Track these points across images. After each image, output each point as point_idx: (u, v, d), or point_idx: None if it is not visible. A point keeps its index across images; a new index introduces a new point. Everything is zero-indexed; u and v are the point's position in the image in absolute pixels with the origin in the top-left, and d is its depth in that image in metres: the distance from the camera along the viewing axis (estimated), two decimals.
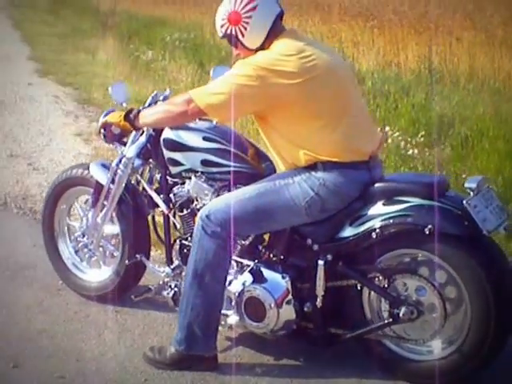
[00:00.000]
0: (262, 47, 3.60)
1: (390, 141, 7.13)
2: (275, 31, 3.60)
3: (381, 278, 3.59)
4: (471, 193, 3.37)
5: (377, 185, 3.59)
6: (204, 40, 13.86)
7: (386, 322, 3.61)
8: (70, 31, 18.36)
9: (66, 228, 4.77)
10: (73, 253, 4.73)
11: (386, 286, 3.58)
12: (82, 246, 4.56)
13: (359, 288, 3.68)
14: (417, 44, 9.79)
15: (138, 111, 3.76)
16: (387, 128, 7.54)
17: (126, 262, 4.28)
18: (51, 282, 4.82)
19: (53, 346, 4.10)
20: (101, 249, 4.56)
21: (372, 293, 3.68)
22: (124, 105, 4.21)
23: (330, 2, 12.12)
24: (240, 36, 3.59)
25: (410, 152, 6.93)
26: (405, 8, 10.08)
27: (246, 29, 3.58)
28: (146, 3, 18.40)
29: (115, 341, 4.16)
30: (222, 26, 3.66)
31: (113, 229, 4.46)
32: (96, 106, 10.01)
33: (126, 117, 3.74)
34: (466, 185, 3.40)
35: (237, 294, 3.79)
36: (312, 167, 3.57)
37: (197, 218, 3.73)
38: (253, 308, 3.77)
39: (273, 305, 3.70)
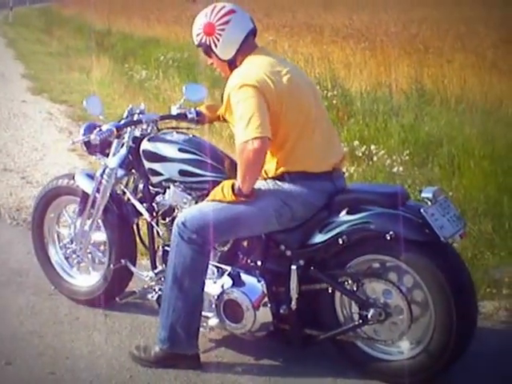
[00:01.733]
0: (234, 60, 3.89)
1: (375, 159, 7.36)
2: (247, 46, 3.89)
3: (350, 281, 3.84)
4: (429, 202, 3.62)
5: (341, 194, 3.86)
6: (197, 59, 14.05)
7: (356, 323, 3.85)
8: (65, 50, 18.68)
9: (55, 235, 5.01)
10: (63, 259, 4.97)
11: (355, 289, 3.82)
12: (70, 252, 4.79)
13: (331, 291, 3.91)
14: (408, 65, 10.01)
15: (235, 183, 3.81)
16: (373, 146, 7.76)
17: (111, 266, 4.50)
18: (43, 287, 5.06)
19: (43, 345, 4.33)
20: (89, 255, 4.79)
21: (343, 296, 3.91)
22: (100, 117, 4.47)
23: (322, 23, 12.39)
24: (213, 46, 3.87)
25: (395, 170, 7.15)
26: (397, 29, 10.30)
27: (218, 40, 3.86)
28: (141, 24, 18.66)
29: (103, 341, 4.38)
30: (197, 35, 3.94)
31: (100, 236, 4.70)
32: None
33: (234, 191, 3.78)
34: (423, 195, 3.68)
35: (216, 297, 4.04)
36: (280, 178, 3.84)
37: (174, 225, 3.96)
38: (231, 310, 4.01)
39: (250, 307, 3.94)
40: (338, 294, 3.93)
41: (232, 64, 3.90)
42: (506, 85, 9.00)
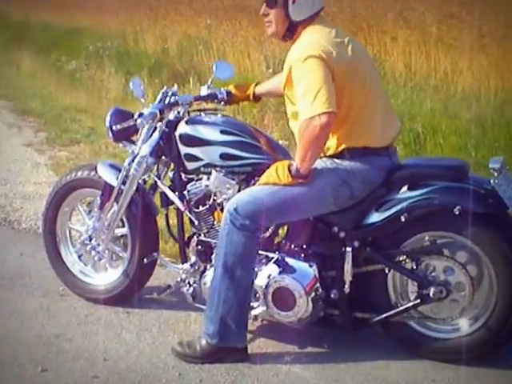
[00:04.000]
0: (297, 26, 3.73)
1: None
2: (313, 19, 3.74)
3: (408, 260, 3.76)
4: (495, 173, 3.57)
5: (399, 170, 3.76)
6: (128, 48, 13.84)
7: (414, 303, 3.78)
8: None
9: (67, 232, 4.77)
10: (76, 257, 4.74)
11: (415, 267, 3.75)
12: (89, 249, 4.56)
13: (384, 272, 3.83)
14: None
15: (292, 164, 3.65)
16: None
17: (145, 260, 4.32)
18: (51, 287, 4.83)
19: (75, 348, 4.12)
20: (106, 251, 4.58)
21: (396, 276, 3.84)
22: (142, 100, 4.27)
23: (256, 5, 12.18)
24: (290, 1, 3.69)
25: None
26: (333, 9, 10.19)
27: None
28: (61, 13, 18.15)
29: (136, 340, 4.21)
30: None
31: (120, 230, 4.50)
32: (36, 117, 9.92)
33: (291, 173, 3.62)
34: (490, 165, 3.59)
35: (263, 286, 3.89)
36: (338, 156, 3.72)
37: (224, 212, 3.81)
38: (282, 298, 3.88)
39: (302, 293, 3.82)
40: (390, 275, 3.85)
41: (292, 28, 3.73)
42: (451, 59, 9.00)
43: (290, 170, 3.64)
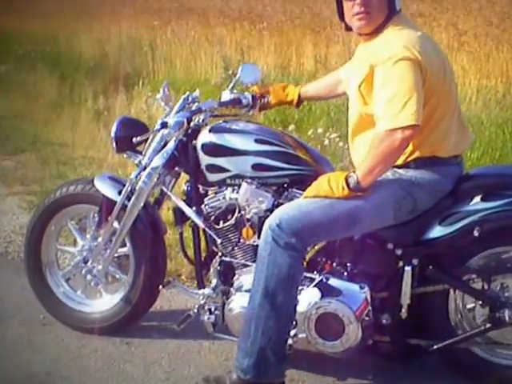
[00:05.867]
0: (389, 19, 3.21)
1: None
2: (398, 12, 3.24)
3: (477, 279, 3.26)
4: None
5: (470, 180, 3.28)
6: (61, 52, 13.11)
7: (484, 327, 3.28)
8: None
9: (54, 254, 4.14)
10: (64, 282, 4.10)
11: (485, 287, 3.25)
12: (85, 272, 3.94)
13: (445, 293, 3.33)
14: (314, 44, 9.52)
15: (356, 175, 3.12)
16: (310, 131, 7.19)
17: (160, 287, 3.74)
18: (29, 316, 4.18)
19: None
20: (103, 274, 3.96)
21: (458, 297, 3.35)
22: (166, 108, 3.72)
23: (203, 6, 11.69)
24: None
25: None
26: (293, 8, 9.78)
27: None
28: None
29: (144, 375, 3.64)
30: None
31: (120, 249, 3.90)
32: None
33: (349, 185, 3.12)
34: None
35: (304, 311, 3.34)
36: (402, 166, 3.22)
37: (264, 229, 3.24)
38: (327, 325, 3.33)
39: (352, 319, 3.28)
40: (451, 296, 3.35)
41: (385, 21, 3.21)
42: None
43: (347, 183, 3.10)
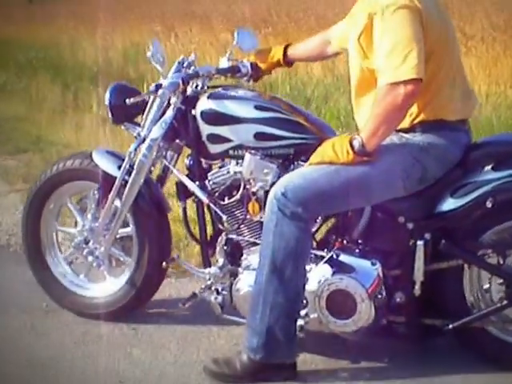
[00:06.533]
0: None
1: None
2: None
3: (492, 254, 3.16)
4: None
5: (480, 148, 3.19)
6: (64, 59, 13.06)
7: (500, 305, 3.18)
8: None
9: (54, 235, 4.02)
10: (66, 265, 4.00)
11: (501, 262, 3.15)
12: (86, 254, 3.83)
13: (460, 270, 3.23)
14: None
15: (361, 138, 3.02)
16: None
17: (164, 264, 3.62)
18: (31, 304, 4.08)
19: (78, 371, 3.43)
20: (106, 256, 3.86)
21: (474, 274, 3.25)
22: (160, 69, 3.58)
23: (206, 11, 11.64)
24: None
25: None
26: (299, 13, 9.73)
27: None
28: None
29: (152, 359, 3.53)
30: None
31: (123, 230, 3.79)
32: None
33: (354, 149, 3.02)
34: None
35: (315, 289, 3.24)
36: (408, 129, 3.11)
37: (269, 199, 3.15)
38: (338, 303, 3.23)
39: (365, 296, 3.17)
40: (467, 273, 3.24)
41: None
42: None
43: (352, 146, 2.99)
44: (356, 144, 3.00)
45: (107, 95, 3.66)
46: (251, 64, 3.67)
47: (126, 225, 3.77)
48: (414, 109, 3.06)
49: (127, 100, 3.48)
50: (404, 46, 2.89)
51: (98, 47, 12.39)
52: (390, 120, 2.94)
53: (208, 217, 3.61)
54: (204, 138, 3.44)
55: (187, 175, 3.55)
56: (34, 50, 13.62)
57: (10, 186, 6.57)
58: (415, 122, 3.10)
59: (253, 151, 3.33)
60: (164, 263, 3.62)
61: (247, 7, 11.57)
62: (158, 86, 3.44)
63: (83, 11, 14.56)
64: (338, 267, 3.24)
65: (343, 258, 3.26)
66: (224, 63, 3.66)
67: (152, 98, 3.54)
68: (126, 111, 3.61)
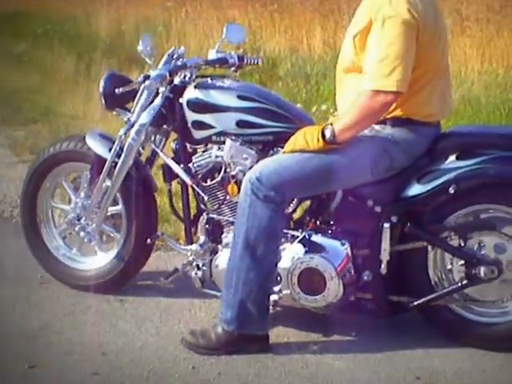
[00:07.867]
0: None
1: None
2: None
3: (454, 237, 3.34)
4: None
5: (446, 139, 3.35)
6: (79, 31, 13.22)
7: (460, 284, 3.35)
8: None
9: (50, 212, 4.24)
10: (60, 240, 4.21)
11: (462, 244, 3.32)
12: (78, 229, 4.04)
13: (424, 251, 3.41)
14: (322, 28, 9.59)
15: (333, 128, 3.22)
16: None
17: (148, 240, 3.83)
18: (26, 275, 4.28)
19: (65, 342, 3.61)
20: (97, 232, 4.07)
21: (437, 255, 3.42)
22: (149, 61, 3.81)
23: None
24: None
25: None
26: None
27: None
28: None
29: (135, 330, 3.72)
30: None
31: (113, 208, 4.00)
32: None
33: (324, 138, 3.22)
34: None
35: (287, 267, 3.43)
36: (379, 122, 3.28)
37: (244, 182, 3.35)
38: (309, 280, 3.42)
39: (333, 274, 3.37)
40: (431, 254, 3.42)
41: None
42: None
43: (323, 134, 3.18)
44: (328, 133, 3.19)
45: (101, 83, 3.87)
46: (238, 56, 3.86)
47: (116, 203, 3.99)
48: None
49: (117, 90, 3.67)
50: (394, 59, 3.08)
51: (111, 20, 12.53)
52: (364, 121, 3.16)
53: (191, 197, 3.79)
54: (189, 125, 3.65)
55: (173, 158, 3.74)
56: (51, 23, 13.76)
57: (18, 158, 6.78)
58: (388, 116, 3.27)
59: (234, 137, 3.53)
60: (149, 240, 3.81)
61: None
62: (146, 77, 3.64)
63: None
64: (310, 247, 3.43)
65: (315, 238, 3.45)
66: (213, 55, 3.84)
67: (142, 87, 3.72)
68: (117, 98, 3.80)
